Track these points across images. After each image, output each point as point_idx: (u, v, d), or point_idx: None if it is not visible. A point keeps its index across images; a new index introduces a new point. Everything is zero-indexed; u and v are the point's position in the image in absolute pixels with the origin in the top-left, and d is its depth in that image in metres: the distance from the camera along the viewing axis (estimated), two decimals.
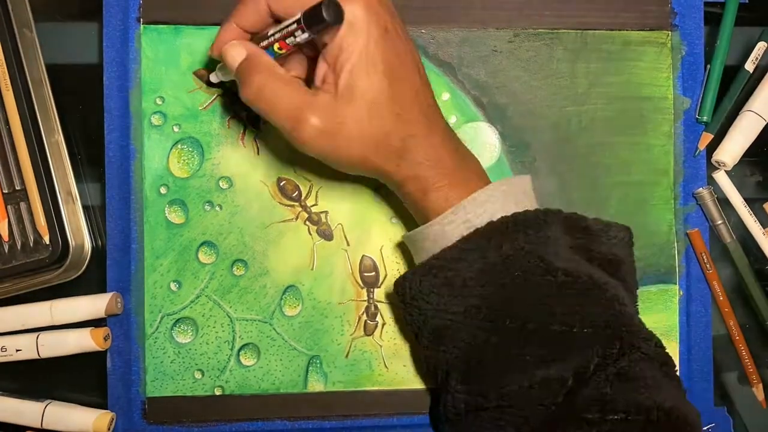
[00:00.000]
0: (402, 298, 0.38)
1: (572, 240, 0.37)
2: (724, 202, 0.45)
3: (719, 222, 0.45)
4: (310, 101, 0.35)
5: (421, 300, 0.37)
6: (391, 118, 0.35)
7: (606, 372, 0.34)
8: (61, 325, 0.42)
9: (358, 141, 0.35)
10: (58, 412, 0.41)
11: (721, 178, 0.45)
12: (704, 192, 0.45)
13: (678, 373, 0.37)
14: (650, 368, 0.35)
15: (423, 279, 0.37)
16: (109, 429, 0.42)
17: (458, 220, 0.36)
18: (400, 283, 0.38)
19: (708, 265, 0.45)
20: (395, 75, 0.35)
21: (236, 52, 0.36)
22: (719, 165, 0.45)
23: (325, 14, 0.33)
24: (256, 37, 0.38)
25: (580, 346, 0.34)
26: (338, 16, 0.33)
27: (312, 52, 0.39)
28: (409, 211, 0.40)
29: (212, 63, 0.44)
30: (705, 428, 0.45)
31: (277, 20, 0.37)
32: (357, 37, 0.34)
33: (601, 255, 0.37)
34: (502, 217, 0.36)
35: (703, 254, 0.45)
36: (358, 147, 0.36)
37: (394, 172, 0.37)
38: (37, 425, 0.41)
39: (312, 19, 0.33)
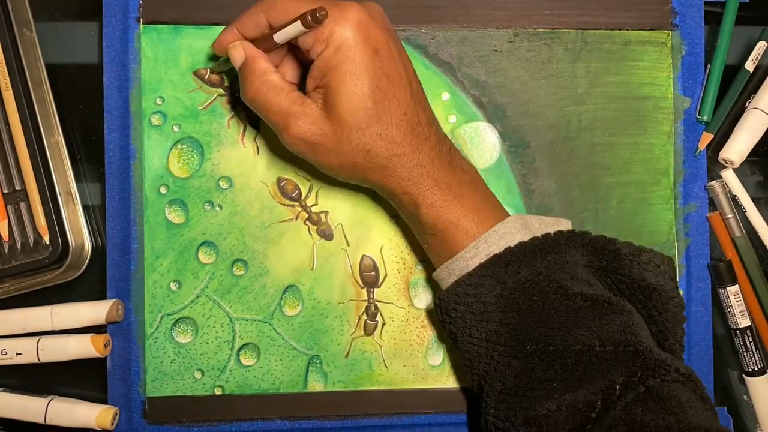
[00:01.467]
0: (440, 318, 0.39)
1: (598, 262, 0.38)
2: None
3: (729, 216, 0.45)
4: (298, 109, 0.37)
5: (450, 324, 0.38)
6: (375, 138, 0.36)
7: (635, 392, 0.33)
8: (61, 330, 0.42)
9: (337, 153, 0.37)
10: (61, 408, 0.41)
11: (730, 176, 0.45)
12: (716, 185, 0.45)
13: (710, 396, 0.36)
14: (681, 389, 0.34)
15: (448, 305, 0.37)
16: (112, 424, 0.42)
17: (481, 253, 0.37)
18: (437, 305, 0.39)
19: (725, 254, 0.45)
20: (381, 96, 0.36)
21: (238, 55, 0.38)
22: (726, 163, 0.45)
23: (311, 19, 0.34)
24: (256, 41, 0.39)
25: (604, 367, 0.34)
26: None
27: (306, 59, 0.39)
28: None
29: (212, 62, 0.44)
30: None
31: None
32: (344, 59, 0.35)
33: (629, 279, 0.37)
34: (519, 242, 0.36)
35: (723, 242, 0.45)
36: (339, 159, 0.37)
37: (378, 183, 0.38)
38: (41, 421, 0.41)
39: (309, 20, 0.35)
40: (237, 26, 0.39)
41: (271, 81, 0.37)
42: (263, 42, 0.38)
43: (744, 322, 0.45)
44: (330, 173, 0.39)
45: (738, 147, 0.45)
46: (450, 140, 0.39)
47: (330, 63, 0.35)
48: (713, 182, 0.45)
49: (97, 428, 0.41)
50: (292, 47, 0.39)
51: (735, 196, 0.45)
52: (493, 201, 0.39)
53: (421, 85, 0.39)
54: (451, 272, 0.38)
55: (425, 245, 0.40)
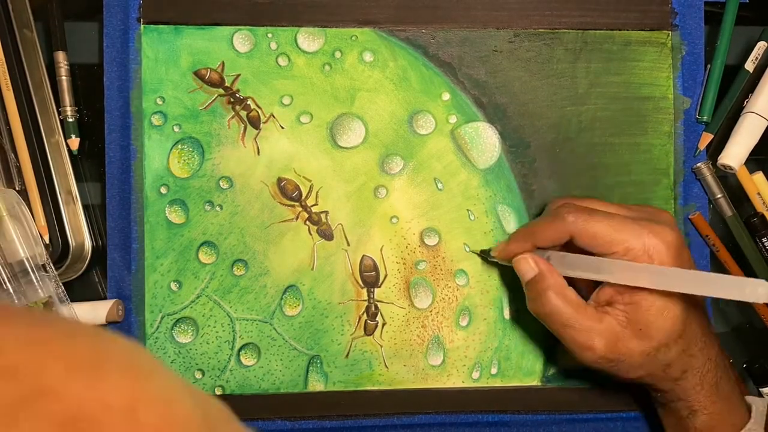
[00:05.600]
0: None
1: None
2: (736, 201, 0.45)
3: (719, 196, 0.45)
4: (599, 327, 0.36)
5: None
6: (677, 354, 0.36)
7: None
8: None
9: (638, 368, 0.37)
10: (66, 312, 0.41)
11: (742, 173, 0.45)
12: (702, 166, 0.45)
13: None
14: None
15: None
16: (119, 315, 0.42)
17: None
18: None
19: (715, 246, 0.45)
20: (690, 313, 0.36)
21: (528, 268, 0.38)
22: (725, 169, 0.45)
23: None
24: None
25: None
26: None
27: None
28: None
29: (212, 62, 0.44)
30: None
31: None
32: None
33: None
34: None
35: (709, 236, 0.45)
36: (637, 373, 0.37)
37: (665, 392, 0.39)
38: None
39: None
40: (534, 241, 0.38)
41: (569, 297, 0.37)
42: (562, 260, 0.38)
43: None
44: (619, 381, 0.39)
45: (736, 152, 0.44)
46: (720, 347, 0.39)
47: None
48: (700, 164, 0.45)
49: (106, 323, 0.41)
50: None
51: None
52: (744, 403, 0.40)
53: None
54: None
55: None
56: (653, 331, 0.36)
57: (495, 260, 0.43)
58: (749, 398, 0.40)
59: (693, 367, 0.37)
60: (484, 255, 0.44)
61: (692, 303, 0.36)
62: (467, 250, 0.44)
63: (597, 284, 0.38)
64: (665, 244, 0.35)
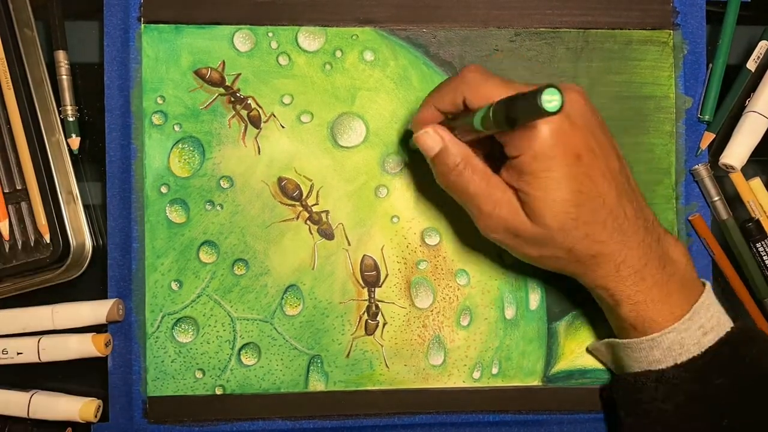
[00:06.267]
0: (625, 402, 0.39)
1: None
2: (738, 202, 0.45)
3: (716, 198, 0.44)
4: (501, 200, 0.35)
5: (653, 409, 0.37)
6: (579, 238, 0.35)
7: None
8: (62, 330, 0.42)
9: (540, 247, 0.36)
10: (44, 401, 0.41)
11: (737, 178, 0.45)
12: (700, 168, 0.44)
13: None
14: None
15: (660, 386, 0.36)
16: (95, 416, 0.42)
17: (693, 326, 0.36)
18: (627, 386, 0.38)
19: (711, 250, 0.45)
20: (585, 199, 0.34)
21: (432, 143, 0.37)
22: (727, 168, 0.45)
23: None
24: (451, 119, 0.37)
25: None
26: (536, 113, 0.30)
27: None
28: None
29: (213, 61, 0.44)
30: None
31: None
32: (543, 167, 0.33)
33: None
34: (736, 326, 0.37)
35: (706, 239, 0.45)
36: (540, 251, 0.36)
37: (579, 275, 0.38)
38: (24, 415, 0.41)
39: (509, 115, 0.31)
40: (433, 101, 0.37)
41: (476, 167, 0.36)
42: (455, 122, 0.36)
43: None
44: (526, 261, 0.38)
45: (737, 152, 0.44)
46: (660, 226, 0.38)
47: (527, 168, 0.34)
48: (697, 166, 0.45)
49: (80, 420, 0.41)
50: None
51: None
52: (694, 292, 0.38)
53: (627, 170, 0.37)
54: (657, 345, 0.36)
55: (616, 328, 0.40)
56: (545, 217, 0.34)
57: (414, 148, 0.41)
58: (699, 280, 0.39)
59: (603, 253, 0.35)
60: (409, 146, 0.43)
61: (591, 186, 0.34)
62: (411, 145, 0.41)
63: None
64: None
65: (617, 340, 0.39)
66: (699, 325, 0.36)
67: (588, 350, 0.44)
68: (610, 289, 0.37)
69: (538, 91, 0.29)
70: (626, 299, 0.37)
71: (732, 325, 0.37)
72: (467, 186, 0.36)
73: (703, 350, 0.36)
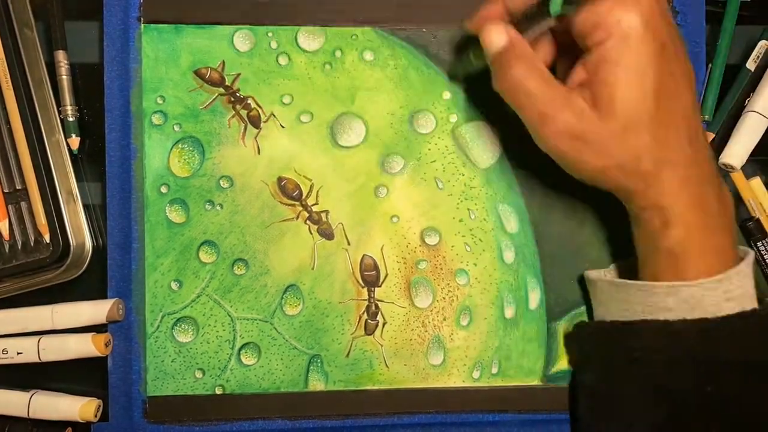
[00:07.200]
0: (599, 352, 0.37)
1: None
2: (738, 201, 0.45)
3: None
4: (565, 103, 0.33)
5: (640, 359, 0.35)
6: (650, 141, 0.32)
7: None
8: (62, 329, 0.42)
9: (605, 155, 0.33)
10: (44, 401, 0.41)
11: (737, 177, 0.45)
12: None
13: None
14: None
15: (659, 337, 0.34)
16: (95, 416, 0.42)
17: (720, 289, 0.34)
18: (613, 332, 0.36)
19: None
20: (665, 95, 0.32)
21: (497, 38, 0.34)
22: (727, 168, 0.45)
23: None
24: (519, 18, 0.35)
25: None
26: None
27: (564, 39, 0.36)
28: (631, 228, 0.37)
29: (213, 61, 0.44)
30: None
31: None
32: (629, 51, 0.31)
33: None
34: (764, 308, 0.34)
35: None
36: (604, 160, 0.33)
37: (636, 194, 0.34)
38: (24, 414, 0.41)
39: None
40: None
41: (539, 70, 0.33)
42: (526, 21, 0.34)
43: None
44: (585, 176, 0.35)
45: (737, 151, 0.44)
46: (717, 163, 0.35)
47: (610, 55, 0.32)
48: None
49: (80, 420, 0.41)
50: (552, 31, 0.35)
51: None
52: (732, 250, 0.35)
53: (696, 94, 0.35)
54: (674, 293, 0.34)
55: (643, 262, 0.36)
56: (619, 107, 0.32)
57: (476, 61, 0.39)
58: (742, 248, 0.36)
59: (670, 161, 0.33)
60: (470, 58, 0.41)
61: (673, 84, 0.32)
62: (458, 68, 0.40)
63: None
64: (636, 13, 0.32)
65: (629, 280, 0.36)
66: (725, 290, 0.34)
67: (583, 276, 0.42)
68: (666, 207, 0.33)
69: None
70: (678, 219, 0.33)
71: (756, 306, 0.35)
72: (529, 86, 0.33)
73: (720, 315, 0.34)
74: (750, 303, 0.35)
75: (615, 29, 0.32)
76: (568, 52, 0.37)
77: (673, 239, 0.34)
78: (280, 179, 0.44)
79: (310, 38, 0.44)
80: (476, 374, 0.44)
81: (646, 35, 0.31)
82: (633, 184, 0.34)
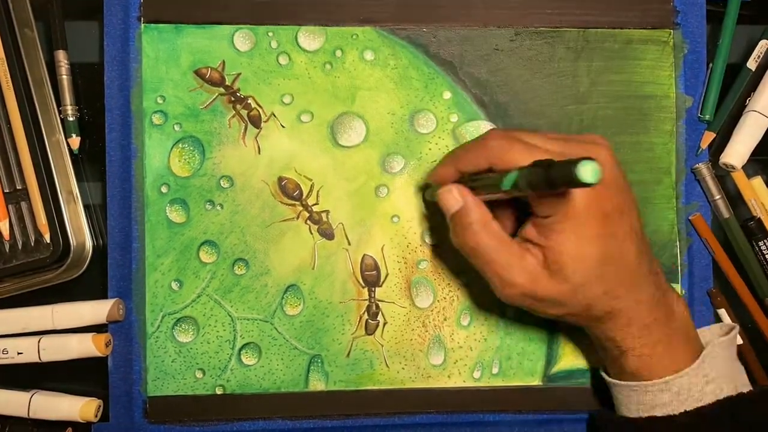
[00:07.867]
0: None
1: None
2: (739, 201, 0.45)
3: (717, 197, 0.44)
4: (520, 266, 0.35)
5: None
6: (597, 296, 0.36)
7: None
8: (62, 329, 0.42)
9: (559, 307, 0.36)
10: (44, 401, 0.41)
11: (739, 177, 0.45)
12: (702, 167, 0.44)
13: None
14: None
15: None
16: (96, 416, 0.42)
17: (700, 374, 0.37)
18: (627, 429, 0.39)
19: (712, 249, 0.45)
20: (609, 258, 0.35)
21: (454, 203, 0.37)
22: (727, 168, 0.45)
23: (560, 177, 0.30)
24: (472, 179, 0.37)
25: None
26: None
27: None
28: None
29: (213, 61, 0.44)
30: None
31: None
32: (573, 226, 0.34)
33: None
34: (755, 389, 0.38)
35: (707, 239, 0.44)
36: (558, 310, 0.37)
37: (590, 329, 0.39)
38: (24, 414, 0.41)
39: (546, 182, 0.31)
40: (456, 164, 0.38)
41: (493, 231, 0.36)
42: (477, 182, 0.36)
43: None
44: (546, 317, 0.38)
45: (738, 151, 0.44)
46: (663, 277, 0.39)
47: (557, 227, 0.34)
48: (699, 164, 0.44)
49: (81, 420, 0.41)
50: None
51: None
52: (695, 345, 0.39)
53: (642, 224, 0.37)
54: (667, 389, 0.37)
55: (615, 374, 0.40)
56: (569, 273, 0.35)
57: (432, 200, 0.41)
58: (707, 331, 0.40)
59: (618, 309, 0.36)
60: (425, 197, 0.43)
61: (616, 246, 0.35)
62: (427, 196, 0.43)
63: (522, 222, 0.37)
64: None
65: (619, 381, 0.39)
66: (704, 374, 0.37)
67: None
68: (618, 341, 0.37)
69: (575, 162, 0.28)
70: (632, 351, 0.37)
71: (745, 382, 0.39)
72: (485, 250, 0.36)
73: (709, 399, 0.37)
74: (734, 380, 0.38)
75: (559, 205, 0.34)
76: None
77: (632, 365, 0.38)
78: (280, 179, 0.44)
79: (310, 38, 0.44)
80: (477, 374, 0.44)
81: (588, 214, 0.34)
82: (587, 324, 0.38)
